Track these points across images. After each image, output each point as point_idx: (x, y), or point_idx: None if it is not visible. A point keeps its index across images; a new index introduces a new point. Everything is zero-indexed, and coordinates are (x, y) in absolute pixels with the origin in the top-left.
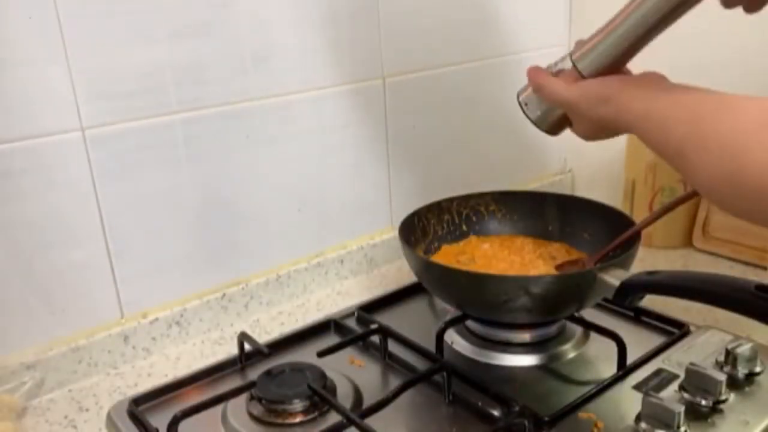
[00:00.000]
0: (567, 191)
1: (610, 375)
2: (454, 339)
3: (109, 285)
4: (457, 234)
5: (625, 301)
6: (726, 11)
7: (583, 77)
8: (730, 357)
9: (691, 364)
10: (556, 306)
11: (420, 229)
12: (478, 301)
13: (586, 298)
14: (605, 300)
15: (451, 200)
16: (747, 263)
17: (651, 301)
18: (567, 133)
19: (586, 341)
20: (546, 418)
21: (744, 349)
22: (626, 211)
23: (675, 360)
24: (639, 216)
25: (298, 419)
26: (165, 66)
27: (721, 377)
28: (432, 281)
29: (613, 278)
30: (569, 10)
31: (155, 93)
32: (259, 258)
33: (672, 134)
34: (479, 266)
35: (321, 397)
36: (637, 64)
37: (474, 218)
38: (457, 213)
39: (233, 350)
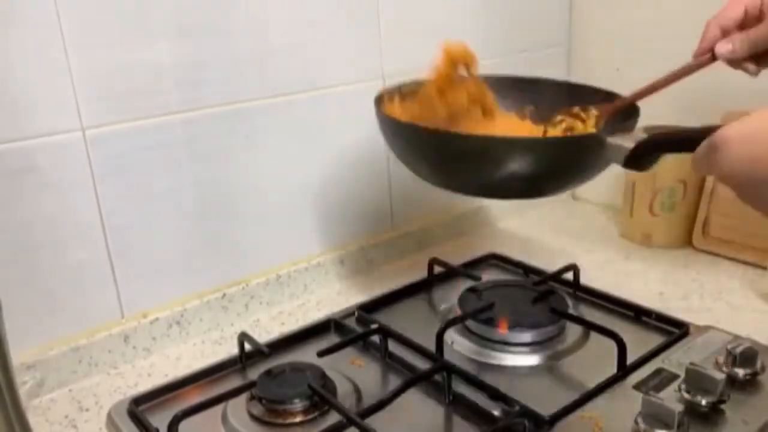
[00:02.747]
0: (566, 194)
1: (610, 375)
2: (454, 339)
3: (109, 285)
4: None
5: (641, 163)
6: None
7: None
8: (730, 357)
9: (691, 364)
10: (557, 176)
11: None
12: (474, 169)
13: (592, 167)
14: (605, 300)
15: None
16: (747, 263)
17: (651, 302)
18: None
19: (586, 341)
20: (546, 418)
21: (744, 349)
22: (627, 211)
23: (675, 360)
24: (639, 217)
25: (298, 419)
26: (165, 66)
27: (721, 377)
28: (411, 150)
29: (624, 141)
30: (569, 10)
31: (155, 93)
32: (259, 258)
33: None
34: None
35: (321, 396)
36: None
37: None
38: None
39: (233, 350)
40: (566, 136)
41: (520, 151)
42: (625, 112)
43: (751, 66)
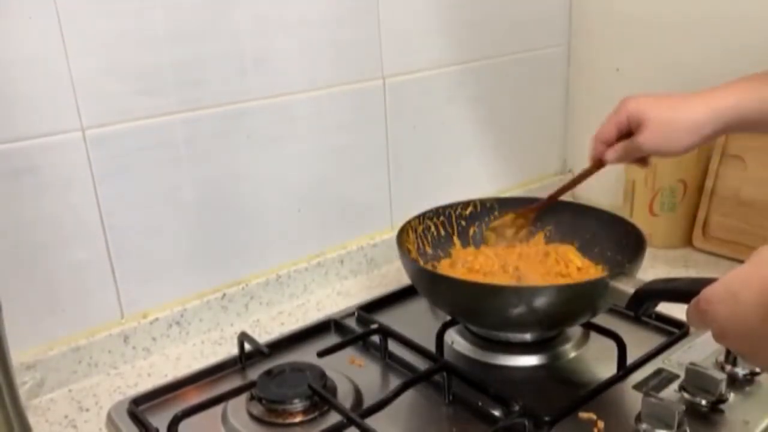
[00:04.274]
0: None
1: (610, 375)
2: (454, 339)
3: (109, 285)
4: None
5: (640, 309)
6: None
7: None
8: (730, 357)
9: (691, 364)
10: (564, 316)
11: (417, 236)
12: (480, 312)
13: (597, 308)
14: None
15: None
16: None
17: None
18: (567, 132)
19: (586, 341)
20: (546, 418)
21: None
22: (627, 211)
23: (675, 360)
24: (639, 217)
25: (298, 419)
26: (165, 66)
27: (721, 377)
28: (430, 291)
29: (626, 286)
30: (569, 10)
31: (155, 93)
32: (259, 258)
33: None
34: (478, 275)
35: (321, 397)
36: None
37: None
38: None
39: (233, 350)
40: (567, 283)
41: (532, 297)
42: (635, 245)
43: (638, 164)
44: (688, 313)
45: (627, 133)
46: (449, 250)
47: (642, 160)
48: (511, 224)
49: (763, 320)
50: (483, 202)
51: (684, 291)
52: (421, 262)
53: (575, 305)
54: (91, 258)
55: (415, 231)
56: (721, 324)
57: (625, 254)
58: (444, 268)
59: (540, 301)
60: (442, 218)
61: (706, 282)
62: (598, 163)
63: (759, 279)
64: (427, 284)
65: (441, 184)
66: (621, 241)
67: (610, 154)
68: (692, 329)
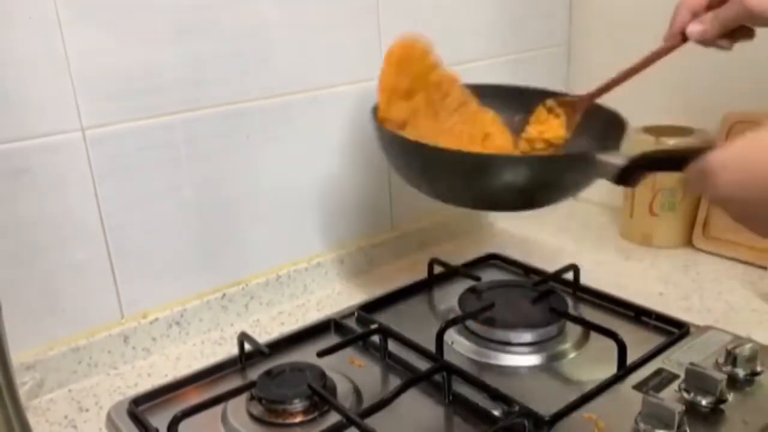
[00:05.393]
0: None
1: (610, 375)
2: (454, 339)
3: (109, 285)
4: None
5: (629, 179)
6: None
7: None
8: (730, 357)
9: (691, 364)
10: (548, 191)
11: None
12: (465, 185)
13: (582, 183)
14: (605, 300)
15: None
16: (747, 263)
17: (651, 302)
18: None
19: (586, 341)
20: (546, 418)
21: (744, 349)
22: (627, 211)
23: (675, 360)
24: (639, 217)
25: (298, 419)
26: (165, 66)
27: (721, 377)
28: (410, 164)
29: (615, 159)
30: (569, 10)
31: (155, 93)
32: (259, 258)
33: None
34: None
35: (321, 397)
36: None
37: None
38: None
39: (233, 350)
40: (560, 155)
41: (516, 168)
42: (616, 124)
43: (724, 42)
44: (688, 177)
45: (720, 1)
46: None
47: (732, 34)
48: (552, 113)
49: None
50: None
51: (681, 158)
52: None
53: (560, 179)
54: (91, 258)
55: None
56: (727, 190)
57: (610, 138)
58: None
59: (523, 172)
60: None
61: (703, 149)
62: (679, 39)
63: None
64: (401, 154)
65: None
66: (604, 130)
67: (695, 25)
68: (692, 329)
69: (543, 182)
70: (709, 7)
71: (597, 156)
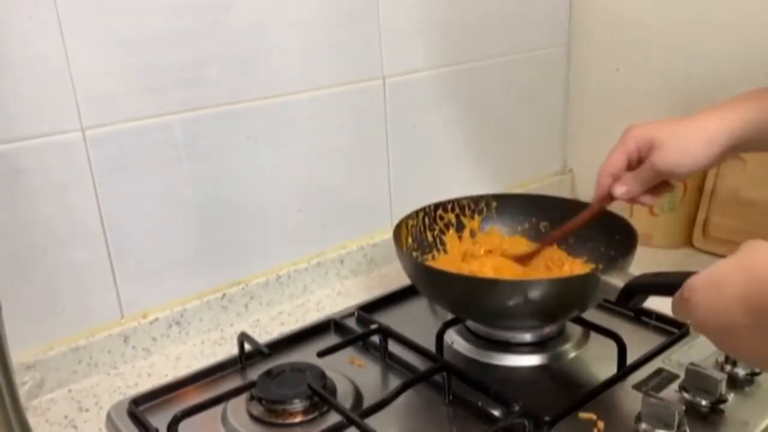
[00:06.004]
0: (567, 192)
1: (610, 375)
2: (454, 339)
3: (109, 285)
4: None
5: (629, 303)
6: None
7: None
8: (730, 357)
9: (691, 364)
10: (556, 310)
11: (415, 231)
12: (475, 306)
13: (587, 302)
14: (606, 300)
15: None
16: None
17: (651, 301)
18: (567, 132)
19: (586, 341)
20: (546, 418)
21: None
22: (627, 211)
23: (675, 360)
24: (639, 217)
25: (298, 419)
26: (165, 66)
27: (721, 377)
28: (426, 286)
29: (617, 280)
30: (569, 10)
31: (155, 93)
32: (259, 258)
33: None
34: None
35: (321, 397)
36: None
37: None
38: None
39: (233, 350)
40: (560, 277)
41: (524, 291)
42: (628, 239)
43: (647, 198)
44: (672, 303)
45: (637, 161)
46: (445, 244)
47: (654, 190)
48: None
49: (744, 314)
50: (476, 199)
51: (672, 284)
52: (418, 257)
53: (567, 299)
54: (91, 258)
55: (410, 227)
56: (703, 314)
57: (617, 250)
58: (441, 262)
59: (532, 294)
60: (440, 211)
61: (693, 274)
62: (606, 200)
63: (742, 272)
64: (422, 278)
65: (441, 183)
66: (614, 236)
67: (619, 187)
68: (692, 330)
69: (546, 303)
70: (629, 169)
71: (601, 277)
